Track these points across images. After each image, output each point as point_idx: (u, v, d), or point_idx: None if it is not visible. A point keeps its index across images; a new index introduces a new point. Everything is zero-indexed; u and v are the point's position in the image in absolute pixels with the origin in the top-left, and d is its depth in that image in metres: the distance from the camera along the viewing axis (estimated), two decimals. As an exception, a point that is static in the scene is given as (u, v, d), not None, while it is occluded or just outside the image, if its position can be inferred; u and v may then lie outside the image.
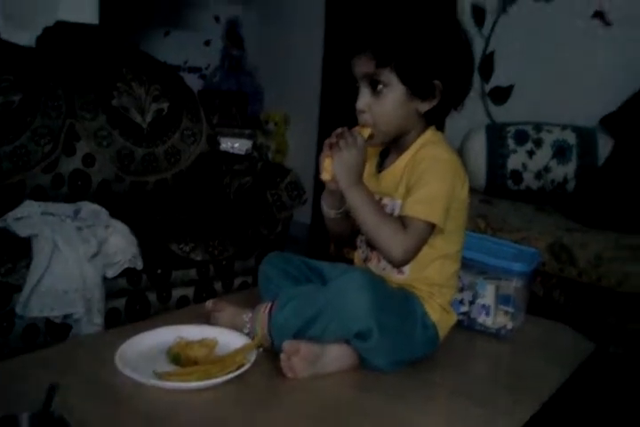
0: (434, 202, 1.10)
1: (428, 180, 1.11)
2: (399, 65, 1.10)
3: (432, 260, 1.18)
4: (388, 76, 1.12)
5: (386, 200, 1.20)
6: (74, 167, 2.12)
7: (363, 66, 1.13)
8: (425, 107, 1.15)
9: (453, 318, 1.23)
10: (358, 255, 1.30)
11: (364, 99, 1.15)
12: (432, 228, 1.11)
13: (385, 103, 1.14)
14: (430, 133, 1.19)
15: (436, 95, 1.14)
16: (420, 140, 1.18)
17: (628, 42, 2.48)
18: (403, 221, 1.11)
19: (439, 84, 1.12)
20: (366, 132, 1.15)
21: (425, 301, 1.17)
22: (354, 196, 1.12)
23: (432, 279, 1.19)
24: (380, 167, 1.24)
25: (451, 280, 1.22)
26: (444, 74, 1.12)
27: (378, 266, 1.22)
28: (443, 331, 1.19)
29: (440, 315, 1.18)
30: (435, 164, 1.14)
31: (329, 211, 1.26)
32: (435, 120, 1.21)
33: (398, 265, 1.15)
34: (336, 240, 1.35)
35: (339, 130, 1.14)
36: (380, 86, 1.13)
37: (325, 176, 1.15)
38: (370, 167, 1.24)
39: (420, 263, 1.17)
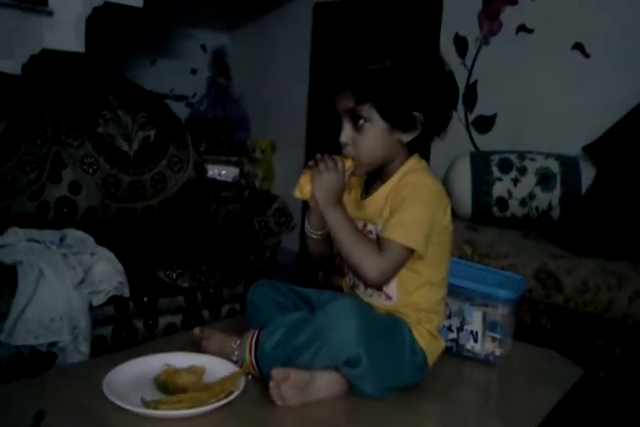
0: (414, 227, 1.11)
1: (410, 204, 1.13)
2: (378, 102, 1.12)
3: (418, 286, 1.19)
4: (369, 112, 1.13)
5: (370, 226, 1.21)
6: (60, 194, 2.12)
7: (344, 102, 1.15)
8: (407, 137, 1.17)
9: (441, 345, 1.23)
10: (346, 282, 1.31)
11: (347, 133, 1.17)
12: (410, 252, 1.12)
13: (367, 137, 1.16)
14: (414, 161, 1.21)
15: (417, 126, 1.15)
16: (403, 168, 1.20)
17: (606, 72, 2.54)
18: (381, 243, 1.12)
19: (419, 116, 1.14)
20: (348, 162, 1.17)
21: (413, 327, 1.17)
22: (331, 215, 1.14)
23: (419, 305, 1.19)
24: (365, 195, 1.25)
25: (438, 306, 1.23)
26: (424, 106, 1.14)
27: (365, 293, 1.23)
28: (431, 357, 1.19)
29: (428, 341, 1.18)
30: (418, 189, 1.15)
31: (311, 231, 1.28)
32: (418, 148, 1.22)
33: (374, 286, 1.17)
34: (319, 262, 1.36)
35: (319, 155, 1.17)
36: (362, 121, 1.14)
37: (297, 193, 1.18)
38: (355, 195, 1.27)
39: (406, 289, 1.18)
